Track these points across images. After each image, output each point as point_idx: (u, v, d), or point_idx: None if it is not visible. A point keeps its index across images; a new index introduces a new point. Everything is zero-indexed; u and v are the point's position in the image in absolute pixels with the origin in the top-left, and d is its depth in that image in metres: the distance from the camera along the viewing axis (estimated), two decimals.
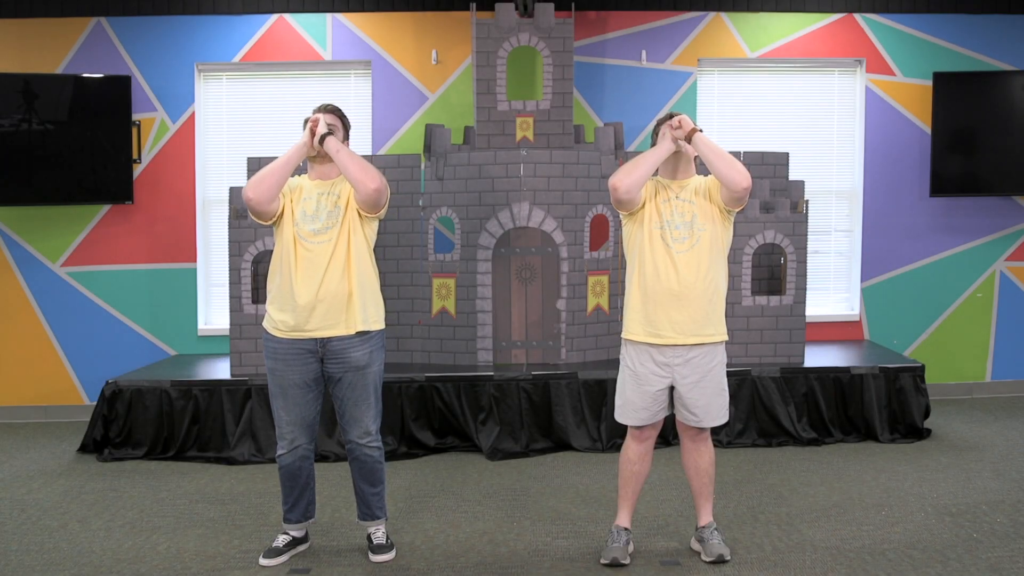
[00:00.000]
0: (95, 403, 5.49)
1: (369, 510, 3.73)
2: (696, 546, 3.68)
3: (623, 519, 3.67)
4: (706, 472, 3.63)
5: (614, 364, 5.53)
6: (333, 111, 3.65)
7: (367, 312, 3.56)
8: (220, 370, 5.60)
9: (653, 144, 3.58)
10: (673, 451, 4.87)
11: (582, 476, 4.77)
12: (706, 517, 3.66)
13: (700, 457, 3.63)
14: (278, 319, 3.54)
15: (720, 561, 3.55)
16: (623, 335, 3.60)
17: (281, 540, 3.72)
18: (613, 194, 3.47)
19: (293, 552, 3.72)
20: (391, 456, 5.08)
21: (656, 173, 3.59)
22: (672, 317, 3.46)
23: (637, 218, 3.54)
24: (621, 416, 3.61)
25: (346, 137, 3.67)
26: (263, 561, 3.63)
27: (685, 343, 3.48)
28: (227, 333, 6.02)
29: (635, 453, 3.62)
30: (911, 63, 6.50)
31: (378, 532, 3.73)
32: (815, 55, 6.50)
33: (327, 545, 3.84)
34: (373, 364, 3.59)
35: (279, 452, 3.63)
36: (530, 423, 5.26)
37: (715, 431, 4.66)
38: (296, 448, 3.61)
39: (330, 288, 3.48)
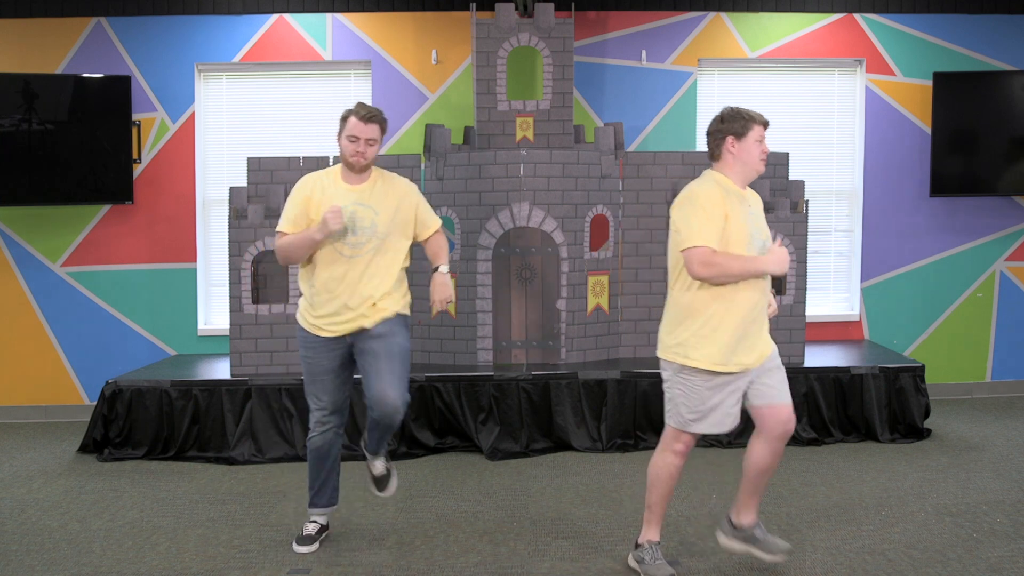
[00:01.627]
0: (95, 403, 5.49)
1: (377, 447, 3.86)
2: (727, 542, 3.50)
3: (656, 533, 3.47)
4: (770, 472, 3.43)
5: (614, 364, 5.54)
6: (377, 121, 3.60)
7: (389, 310, 3.64)
8: (220, 370, 5.60)
9: (712, 155, 3.34)
10: None
11: (582, 476, 4.77)
12: (755, 515, 3.49)
13: (775, 459, 3.40)
14: (308, 315, 3.68)
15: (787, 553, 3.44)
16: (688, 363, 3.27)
17: (312, 527, 3.80)
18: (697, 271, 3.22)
19: (322, 539, 3.80)
20: (391, 456, 5.06)
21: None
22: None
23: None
24: (710, 427, 3.28)
25: (383, 134, 3.67)
26: (298, 548, 3.73)
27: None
28: (227, 333, 6.02)
29: (676, 468, 3.38)
30: (911, 63, 6.50)
31: (377, 463, 3.91)
32: (815, 55, 6.50)
33: (327, 545, 3.83)
34: (395, 335, 3.62)
35: (311, 435, 3.74)
36: (530, 423, 5.26)
37: None
38: (327, 430, 3.73)
39: (359, 295, 3.58)
